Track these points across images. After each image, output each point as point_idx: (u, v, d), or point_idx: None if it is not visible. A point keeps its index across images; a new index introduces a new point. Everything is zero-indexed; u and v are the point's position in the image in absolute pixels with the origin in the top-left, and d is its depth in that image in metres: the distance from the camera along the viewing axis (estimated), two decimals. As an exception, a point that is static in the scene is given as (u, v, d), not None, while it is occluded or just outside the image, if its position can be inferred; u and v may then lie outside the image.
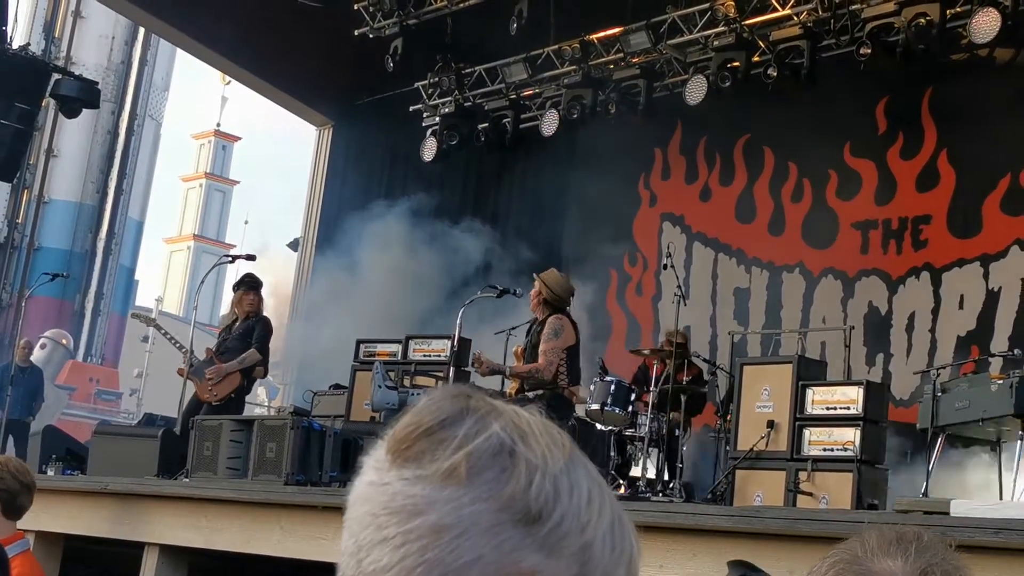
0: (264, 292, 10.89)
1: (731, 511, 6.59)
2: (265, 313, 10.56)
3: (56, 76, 14.12)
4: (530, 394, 8.20)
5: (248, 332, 10.19)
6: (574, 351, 8.41)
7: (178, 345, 10.23)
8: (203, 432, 8.55)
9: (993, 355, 9.25)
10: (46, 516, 7.92)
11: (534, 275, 8.73)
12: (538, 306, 8.51)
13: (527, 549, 0.81)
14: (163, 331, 10.88)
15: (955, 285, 11.06)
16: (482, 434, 0.84)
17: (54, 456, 9.94)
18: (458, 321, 8.81)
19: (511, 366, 8.55)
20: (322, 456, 8.13)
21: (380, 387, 8.28)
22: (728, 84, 11.84)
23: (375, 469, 0.86)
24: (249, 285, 10.40)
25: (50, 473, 9.53)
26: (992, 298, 10.78)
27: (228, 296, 11.94)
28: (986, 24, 10.26)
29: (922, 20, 10.60)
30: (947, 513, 5.18)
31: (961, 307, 10.97)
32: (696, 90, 12.24)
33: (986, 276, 10.88)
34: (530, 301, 8.63)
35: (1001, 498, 7.22)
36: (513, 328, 9.34)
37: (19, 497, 4.54)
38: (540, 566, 0.81)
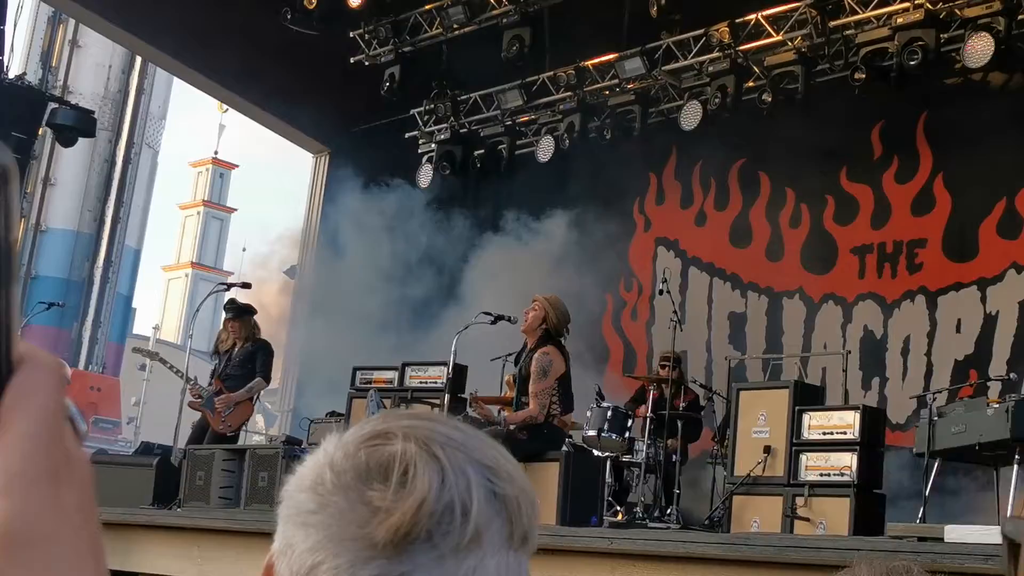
0: (261, 319, 10.82)
1: (722, 538, 6.55)
2: (263, 336, 10.47)
3: (53, 105, 14.18)
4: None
5: (249, 358, 10.09)
6: (565, 379, 8.26)
7: (181, 375, 10.13)
8: (195, 462, 8.52)
9: (990, 379, 9.21)
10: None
11: (535, 297, 8.51)
12: (533, 331, 8.30)
13: (524, 563, 0.89)
14: (168, 364, 10.78)
15: (952, 309, 11.02)
16: (471, 488, 0.87)
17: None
18: (453, 348, 8.77)
19: (505, 417, 8.32)
20: (315, 485, 8.08)
21: (374, 415, 8.21)
22: (722, 109, 11.86)
23: (374, 565, 0.85)
24: (228, 311, 10.32)
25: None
26: (990, 322, 10.74)
27: (226, 324, 11.89)
28: (980, 49, 10.29)
29: (916, 45, 10.63)
30: (941, 539, 5.15)
31: (958, 331, 10.93)
32: (691, 115, 12.27)
33: (983, 300, 10.85)
34: (523, 324, 8.42)
35: (999, 523, 7.18)
36: (509, 355, 9.28)
37: None
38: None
